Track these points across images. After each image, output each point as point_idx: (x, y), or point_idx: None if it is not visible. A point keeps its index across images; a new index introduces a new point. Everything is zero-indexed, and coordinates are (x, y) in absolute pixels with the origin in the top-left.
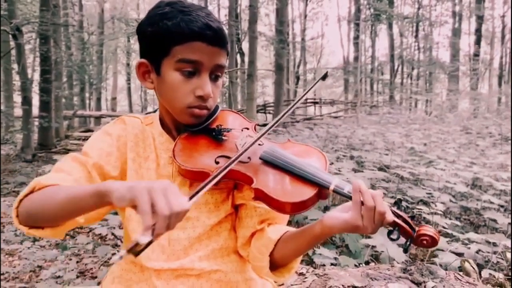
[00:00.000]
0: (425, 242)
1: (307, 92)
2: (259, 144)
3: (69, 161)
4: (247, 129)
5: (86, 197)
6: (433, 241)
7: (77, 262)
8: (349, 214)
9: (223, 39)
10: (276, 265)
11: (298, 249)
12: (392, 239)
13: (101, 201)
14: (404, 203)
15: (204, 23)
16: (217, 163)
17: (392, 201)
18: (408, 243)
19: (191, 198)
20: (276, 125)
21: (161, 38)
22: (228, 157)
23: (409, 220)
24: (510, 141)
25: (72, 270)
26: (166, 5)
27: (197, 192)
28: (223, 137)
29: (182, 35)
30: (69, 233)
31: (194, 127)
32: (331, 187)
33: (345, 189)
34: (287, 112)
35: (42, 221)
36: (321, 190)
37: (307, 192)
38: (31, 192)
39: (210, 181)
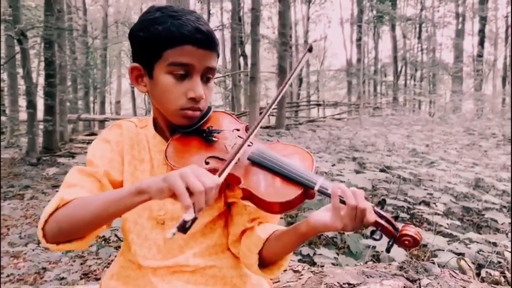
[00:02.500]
0: (407, 242)
1: (295, 69)
2: (248, 145)
3: (76, 175)
4: (238, 130)
5: (127, 198)
6: (415, 242)
7: (81, 264)
8: (329, 217)
9: (213, 42)
10: (265, 263)
11: (286, 247)
12: (375, 239)
13: (141, 198)
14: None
15: (194, 27)
16: (207, 163)
17: (394, 202)
18: (390, 243)
19: (220, 175)
20: (266, 115)
21: (152, 43)
22: (218, 158)
23: (392, 220)
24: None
25: (76, 271)
26: (157, 10)
27: (224, 169)
28: (214, 138)
29: (172, 39)
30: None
31: (186, 128)
32: (316, 188)
33: (329, 189)
34: (276, 98)
35: (72, 234)
36: (307, 190)
37: (293, 192)
38: (57, 209)
39: (235, 155)
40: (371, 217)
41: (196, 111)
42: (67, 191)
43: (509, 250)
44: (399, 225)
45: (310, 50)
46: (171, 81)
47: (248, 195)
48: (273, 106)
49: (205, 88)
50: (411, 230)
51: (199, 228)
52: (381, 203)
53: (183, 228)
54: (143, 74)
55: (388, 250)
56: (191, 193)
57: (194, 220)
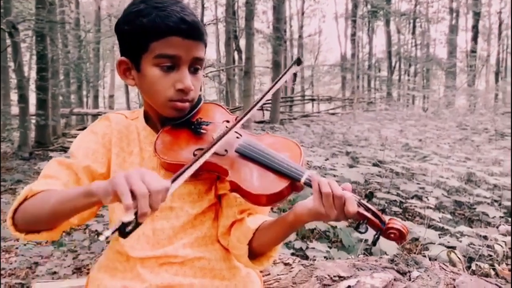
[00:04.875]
0: (392, 235)
1: (280, 78)
2: (237, 137)
3: (55, 166)
4: (228, 121)
5: (77, 198)
6: (401, 235)
7: (73, 258)
8: (312, 202)
9: (199, 31)
10: (255, 254)
11: (275, 237)
12: (360, 232)
13: (90, 200)
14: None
15: (179, 17)
16: (195, 155)
17: (386, 196)
18: (376, 235)
19: (173, 181)
20: (249, 114)
21: (138, 36)
22: None
23: (378, 213)
24: (505, 137)
25: (68, 266)
26: (141, 2)
27: (178, 176)
28: (202, 131)
29: (158, 31)
30: (65, 230)
31: (176, 120)
32: (302, 180)
33: None
34: (260, 100)
35: (38, 225)
36: (293, 182)
37: (279, 185)
38: (25, 200)
39: (189, 166)
40: (352, 207)
41: (185, 102)
42: (37, 183)
43: (499, 243)
44: (386, 218)
45: (298, 63)
46: (159, 74)
47: (235, 188)
48: (255, 108)
49: (194, 79)
50: (397, 223)
51: (188, 220)
52: (368, 196)
53: (122, 231)
54: (131, 67)
55: (374, 243)
56: (134, 196)
57: (137, 224)
